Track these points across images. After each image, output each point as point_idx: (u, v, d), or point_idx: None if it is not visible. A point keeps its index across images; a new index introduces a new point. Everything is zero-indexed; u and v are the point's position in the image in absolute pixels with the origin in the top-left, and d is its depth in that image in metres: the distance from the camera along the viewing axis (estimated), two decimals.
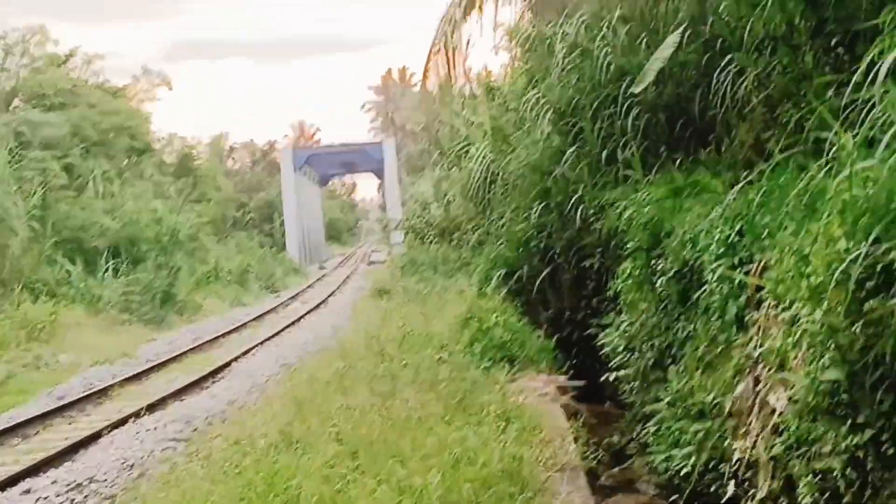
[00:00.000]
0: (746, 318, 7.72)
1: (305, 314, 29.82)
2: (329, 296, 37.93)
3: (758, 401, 7.06)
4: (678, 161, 12.78)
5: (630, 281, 11.44)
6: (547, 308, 16.17)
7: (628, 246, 11.46)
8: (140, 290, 27.87)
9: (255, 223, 76.53)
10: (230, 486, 6.59)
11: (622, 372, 11.53)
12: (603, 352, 12.69)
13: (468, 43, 14.26)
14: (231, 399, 14.38)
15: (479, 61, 30.51)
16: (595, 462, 9.21)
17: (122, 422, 13.36)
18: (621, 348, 11.70)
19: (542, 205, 16.34)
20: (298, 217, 71.17)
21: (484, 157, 19.33)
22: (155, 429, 12.50)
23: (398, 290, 25.01)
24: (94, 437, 12.94)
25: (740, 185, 8.72)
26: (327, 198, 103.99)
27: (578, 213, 15.17)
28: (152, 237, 35.19)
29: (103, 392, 16.17)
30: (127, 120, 47.74)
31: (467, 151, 22.44)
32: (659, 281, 10.27)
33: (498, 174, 18.57)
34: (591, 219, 14.79)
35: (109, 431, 12.92)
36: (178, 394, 15.51)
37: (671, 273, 9.93)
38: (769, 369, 6.76)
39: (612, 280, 13.42)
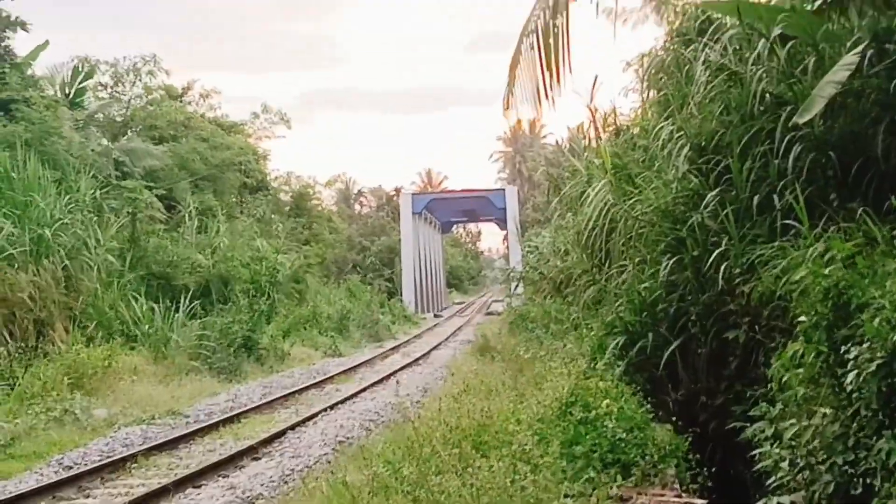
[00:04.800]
0: None
1: (399, 369, 27.01)
2: (433, 348, 35.20)
3: None
4: (856, 213, 10.07)
5: (801, 370, 8.19)
6: (676, 389, 13.05)
7: (801, 320, 8.24)
8: (216, 335, 25.39)
9: (375, 267, 76.25)
10: None
11: (786, 498, 8.23)
12: (759, 465, 9.42)
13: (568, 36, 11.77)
14: (253, 494, 11.47)
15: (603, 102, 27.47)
16: None
17: None
18: (785, 463, 8.41)
19: (674, 259, 13.31)
20: (416, 262, 69.55)
21: (603, 201, 16.34)
22: None
23: (503, 349, 22.21)
24: None
25: None
26: (450, 245, 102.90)
27: (721, 272, 12.23)
28: (248, 276, 32.99)
29: (121, 463, 13.39)
30: (239, 155, 46.36)
31: (586, 195, 19.47)
32: (850, 375, 7.06)
33: (619, 220, 15.61)
34: (738, 280, 11.90)
35: None
36: (197, 477, 12.61)
37: (871, 365, 6.75)
38: None
39: (762, 358, 10.61)
